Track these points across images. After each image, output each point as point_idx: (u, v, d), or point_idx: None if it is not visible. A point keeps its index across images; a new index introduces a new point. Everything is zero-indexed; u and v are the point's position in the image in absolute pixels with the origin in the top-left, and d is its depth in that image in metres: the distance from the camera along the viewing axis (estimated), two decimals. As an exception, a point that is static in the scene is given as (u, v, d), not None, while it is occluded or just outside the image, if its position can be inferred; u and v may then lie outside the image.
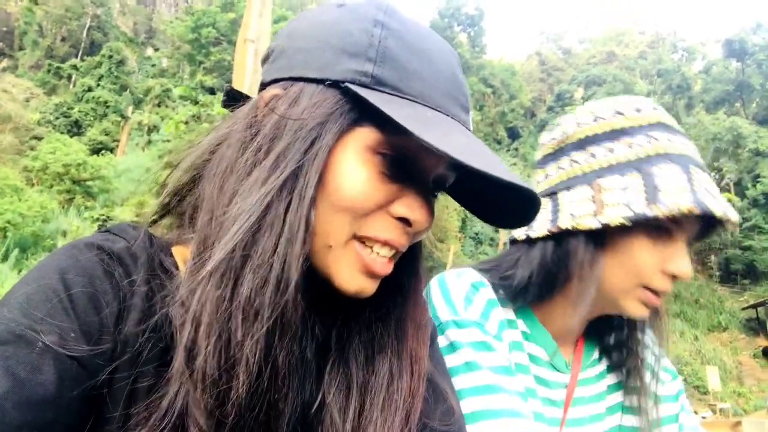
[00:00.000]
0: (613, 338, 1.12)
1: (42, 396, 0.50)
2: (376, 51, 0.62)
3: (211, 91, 39.07)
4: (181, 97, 38.12)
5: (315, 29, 0.66)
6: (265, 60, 0.70)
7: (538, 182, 1.09)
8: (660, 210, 0.88)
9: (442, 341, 0.92)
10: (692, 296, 34.48)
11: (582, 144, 1.02)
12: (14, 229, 19.10)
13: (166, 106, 39.10)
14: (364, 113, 0.60)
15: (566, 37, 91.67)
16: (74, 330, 0.54)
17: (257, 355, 0.55)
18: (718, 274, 38.80)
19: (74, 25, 49.43)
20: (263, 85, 0.67)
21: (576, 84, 57.27)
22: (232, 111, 0.72)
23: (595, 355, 1.12)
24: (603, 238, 0.96)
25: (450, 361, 0.89)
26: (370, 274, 0.64)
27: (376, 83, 0.60)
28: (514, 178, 0.58)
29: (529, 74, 69.92)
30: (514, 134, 51.44)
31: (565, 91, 56.62)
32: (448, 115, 0.63)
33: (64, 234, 19.32)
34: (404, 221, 0.64)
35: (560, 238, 0.98)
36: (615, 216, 0.92)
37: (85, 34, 49.90)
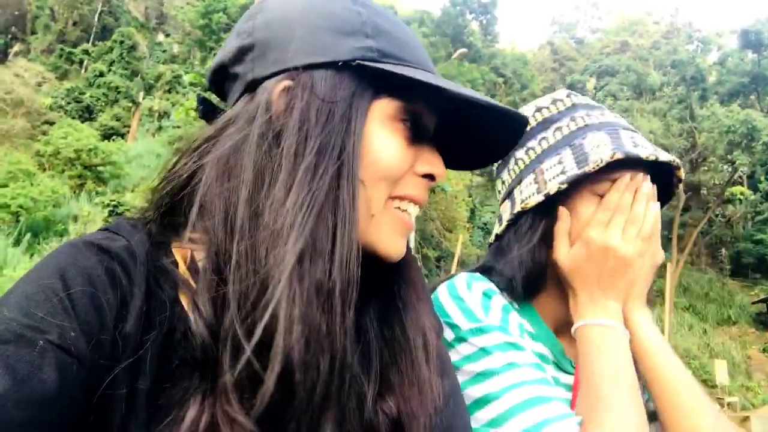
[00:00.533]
0: None
1: (43, 395, 0.50)
2: (371, 27, 0.65)
3: (222, 78, 38.92)
4: (192, 84, 38.13)
5: (295, 15, 0.67)
6: (242, 56, 0.69)
7: (499, 192, 1.21)
8: (588, 166, 0.98)
9: (468, 349, 0.94)
10: (702, 290, 34.25)
11: (521, 143, 1.14)
12: (26, 213, 19.26)
13: (177, 93, 39.14)
14: (379, 86, 0.65)
15: (579, 27, 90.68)
16: (74, 329, 0.54)
17: (342, 343, 0.57)
18: (728, 267, 38.47)
19: (85, 10, 49.45)
20: (255, 82, 0.67)
21: (588, 74, 56.76)
22: (210, 122, 0.72)
23: None
24: (552, 212, 1.05)
25: (488, 363, 0.92)
26: (405, 231, 0.70)
27: (382, 56, 0.65)
28: (509, 109, 0.67)
29: (541, 64, 69.33)
30: (524, 124, 50.97)
31: (578, 81, 56.10)
32: (432, 73, 0.69)
33: (75, 219, 19.46)
34: (428, 177, 0.71)
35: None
36: (554, 185, 1.01)
37: (96, 19, 49.94)
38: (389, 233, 0.68)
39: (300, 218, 0.58)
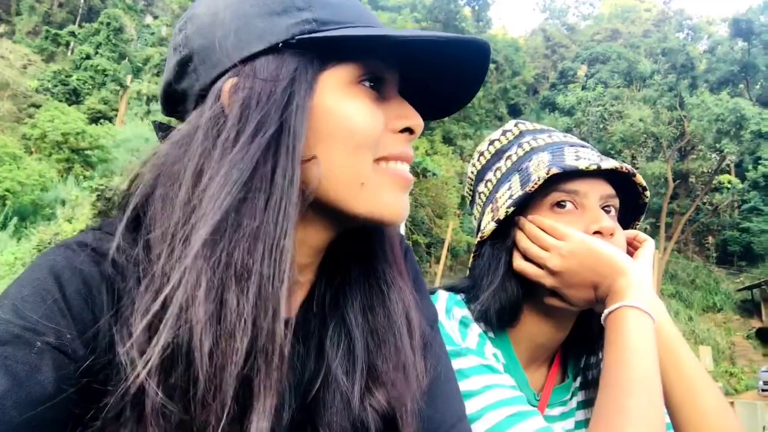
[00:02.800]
0: (586, 358, 1.18)
1: (41, 395, 0.51)
2: (302, 0, 0.63)
3: (211, 62, 38.51)
4: (181, 67, 37.67)
5: (224, 12, 0.65)
6: (183, 70, 0.67)
7: (472, 227, 1.25)
8: (529, 186, 1.03)
9: None
10: (688, 277, 34.70)
11: (480, 177, 1.20)
12: (13, 197, 19.08)
13: (166, 76, 38.64)
14: (326, 57, 0.63)
15: (570, 13, 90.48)
16: (70, 330, 0.54)
17: (255, 319, 0.55)
18: (715, 255, 39.00)
19: (72, -9, 48.63)
20: (204, 91, 0.65)
21: (580, 61, 56.71)
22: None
23: (569, 375, 1.17)
24: (508, 237, 1.08)
25: (466, 386, 0.93)
26: (406, 186, 0.69)
27: (321, 25, 0.62)
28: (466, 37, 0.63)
29: (533, 50, 69.14)
30: (515, 111, 51.10)
31: (569, 68, 56.11)
32: (378, 27, 0.68)
33: (63, 203, 19.30)
34: (407, 131, 0.69)
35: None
36: (502, 211, 1.06)
37: (82, 0, 49.12)
38: (387, 192, 0.66)
39: (220, 198, 0.56)
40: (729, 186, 35.55)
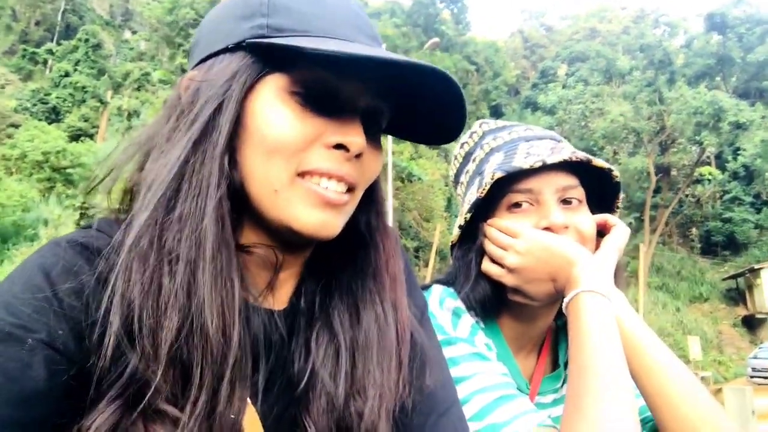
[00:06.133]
0: None
1: (33, 392, 0.51)
2: (267, 6, 0.65)
3: (192, 74, 38.26)
4: (161, 81, 37.47)
5: (217, 12, 0.71)
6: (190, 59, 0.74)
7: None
8: (479, 191, 1.06)
9: None
10: (674, 268, 35.04)
11: (456, 180, 1.25)
12: (-6, 218, 18.77)
13: (146, 90, 38.39)
14: (270, 63, 0.64)
15: (548, 14, 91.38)
16: (62, 327, 0.55)
17: (183, 294, 0.56)
18: (699, 246, 39.41)
19: (48, 9, 48.18)
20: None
21: (560, 60, 57.25)
22: None
23: (560, 362, 1.19)
24: (475, 241, 1.11)
25: (456, 372, 0.95)
26: (326, 204, 0.65)
27: (273, 32, 0.64)
28: (421, 63, 0.61)
29: (513, 51, 69.68)
30: (497, 112, 51.42)
31: (549, 67, 56.59)
32: (355, 42, 0.66)
33: (46, 223, 19.04)
34: (341, 148, 0.65)
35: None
36: (461, 217, 1.09)
37: (60, 18, 48.67)
38: (300, 207, 0.64)
39: (154, 187, 0.60)
40: (710, 177, 36.07)
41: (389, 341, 0.72)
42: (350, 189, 0.68)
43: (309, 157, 0.64)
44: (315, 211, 0.65)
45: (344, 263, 0.75)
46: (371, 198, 0.77)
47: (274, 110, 0.64)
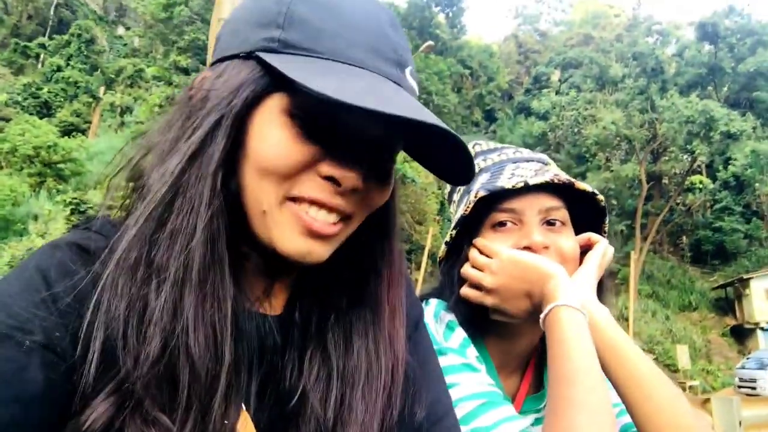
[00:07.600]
0: None
1: (30, 394, 0.51)
2: (284, 17, 0.62)
3: (186, 72, 38.19)
4: (155, 78, 37.30)
5: (240, 11, 0.69)
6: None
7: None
8: (462, 209, 1.09)
9: None
10: (664, 277, 35.21)
11: (450, 197, 1.27)
12: (-17, 213, 18.59)
13: (139, 87, 38.20)
14: (277, 79, 0.60)
15: (543, 19, 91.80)
16: (59, 329, 0.54)
17: (168, 314, 0.55)
18: (689, 255, 39.63)
19: (41, 3, 47.84)
20: None
21: (553, 66, 57.47)
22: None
23: (544, 383, 1.19)
24: (459, 256, 1.13)
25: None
26: (311, 233, 0.63)
27: (284, 47, 0.61)
28: (423, 117, 0.56)
29: (507, 56, 69.91)
30: (491, 117, 51.57)
31: (543, 73, 56.79)
32: (366, 69, 0.62)
33: (36, 218, 18.89)
34: (332, 180, 0.62)
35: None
36: (448, 234, 1.13)
37: (52, 12, 48.34)
38: (285, 232, 0.62)
39: (150, 196, 0.59)
40: (701, 186, 36.25)
41: (380, 375, 0.71)
42: (346, 217, 0.66)
43: (300, 183, 0.62)
44: (299, 239, 0.63)
45: (342, 287, 0.73)
46: (379, 220, 0.73)
47: (271, 130, 0.61)
